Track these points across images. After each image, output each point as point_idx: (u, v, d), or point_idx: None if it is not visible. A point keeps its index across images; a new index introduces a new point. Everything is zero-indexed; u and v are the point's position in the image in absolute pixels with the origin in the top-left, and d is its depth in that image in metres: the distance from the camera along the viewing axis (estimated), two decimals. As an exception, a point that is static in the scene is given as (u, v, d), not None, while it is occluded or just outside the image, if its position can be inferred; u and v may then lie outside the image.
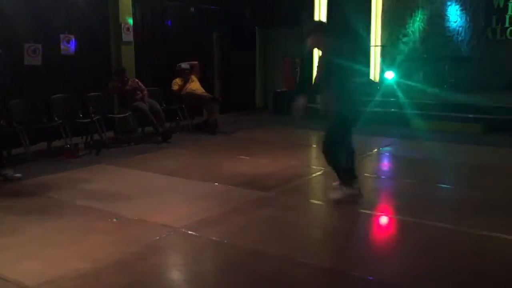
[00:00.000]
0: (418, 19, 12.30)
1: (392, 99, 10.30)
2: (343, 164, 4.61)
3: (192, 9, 10.75)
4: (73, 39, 8.24)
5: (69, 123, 7.49)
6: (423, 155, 7.18)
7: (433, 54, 11.74)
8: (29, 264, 3.56)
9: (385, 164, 7.27)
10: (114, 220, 4.42)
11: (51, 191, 5.38)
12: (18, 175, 5.97)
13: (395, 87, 10.67)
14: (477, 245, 3.86)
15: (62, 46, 8.13)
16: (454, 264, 3.54)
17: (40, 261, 3.61)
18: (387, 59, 12.79)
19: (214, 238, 4.02)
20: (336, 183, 4.84)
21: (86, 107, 8.00)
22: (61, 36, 8.14)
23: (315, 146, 8.74)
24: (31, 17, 7.78)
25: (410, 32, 12.47)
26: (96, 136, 7.86)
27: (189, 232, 4.15)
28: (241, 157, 7.10)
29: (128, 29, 8.75)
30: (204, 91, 9.52)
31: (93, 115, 7.79)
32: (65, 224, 4.39)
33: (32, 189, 5.49)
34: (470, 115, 9.01)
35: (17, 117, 7.08)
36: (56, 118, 7.46)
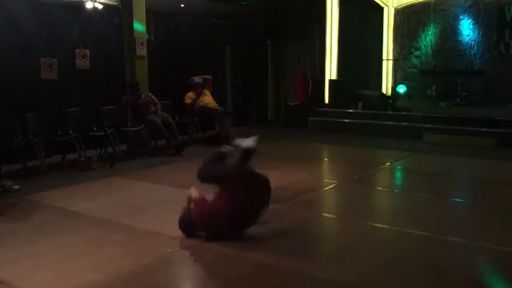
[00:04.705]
0: (430, 33, 12.31)
1: (404, 113, 10.28)
2: None
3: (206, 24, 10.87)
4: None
5: (83, 136, 7.59)
6: (436, 169, 7.14)
7: (445, 68, 11.73)
8: (43, 276, 3.60)
9: (398, 178, 7.24)
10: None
11: (64, 204, 5.43)
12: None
13: (407, 100, 10.66)
14: (492, 260, 3.82)
15: (77, 61, 8.28)
16: (468, 278, 3.51)
17: (54, 273, 3.65)
18: (399, 73, 12.81)
19: (225, 250, 4.03)
20: None
21: (100, 120, 8.09)
22: (77, 50, 8.28)
23: (327, 159, 8.77)
24: (47, 33, 7.93)
25: (422, 46, 12.48)
26: (109, 149, 7.94)
27: (201, 244, 4.16)
28: (253, 170, 7.11)
29: (142, 43, 8.86)
30: (216, 104, 9.59)
31: (107, 128, 7.88)
32: (78, 236, 4.43)
33: (46, 201, 5.55)
34: (483, 129, 8.95)
35: (32, 130, 7.19)
36: (70, 131, 7.55)
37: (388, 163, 7.59)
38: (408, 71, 12.71)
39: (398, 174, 7.37)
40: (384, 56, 12.84)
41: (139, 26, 8.82)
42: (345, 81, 11.59)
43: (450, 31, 12.03)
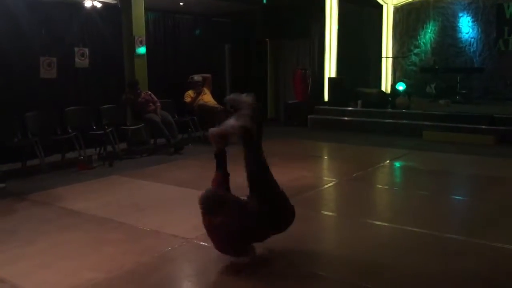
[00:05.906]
0: (429, 30, 12.32)
1: (403, 111, 10.28)
2: None
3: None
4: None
5: (82, 135, 7.59)
6: (436, 167, 7.14)
7: (445, 65, 11.74)
8: (43, 274, 3.61)
9: (397, 176, 7.25)
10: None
11: (64, 202, 5.43)
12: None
13: (406, 98, 10.66)
14: (491, 257, 3.83)
15: (76, 60, 8.28)
16: (467, 275, 3.51)
17: (54, 271, 3.66)
18: (399, 71, 12.82)
19: (225, 249, 4.02)
20: None
21: (99, 119, 8.09)
22: (76, 49, 8.28)
23: (326, 157, 8.78)
24: (46, 31, 7.93)
25: (422, 43, 12.49)
26: (109, 148, 7.94)
27: (201, 243, 4.16)
28: (252, 168, 7.11)
29: (141, 42, 8.86)
30: (216, 103, 9.58)
31: (106, 127, 7.87)
32: (78, 235, 4.44)
33: (46, 200, 5.55)
34: (483, 126, 8.95)
35: (32, 129, 7.19)
36: (70, 130, 7.55)
37: (388, 161, 7.59)
38: (407, 69, 12.73)
39: (398, 172, 7.38)
40: (384, 54, 12.85)
41: (138, 25, 8.82)
42: (344, 79, 11.59)
43: (449, 29, 12.04)
